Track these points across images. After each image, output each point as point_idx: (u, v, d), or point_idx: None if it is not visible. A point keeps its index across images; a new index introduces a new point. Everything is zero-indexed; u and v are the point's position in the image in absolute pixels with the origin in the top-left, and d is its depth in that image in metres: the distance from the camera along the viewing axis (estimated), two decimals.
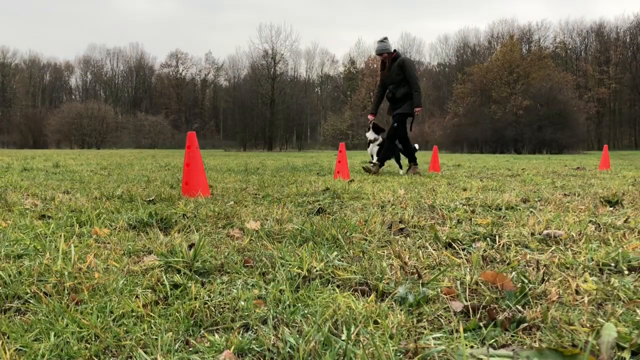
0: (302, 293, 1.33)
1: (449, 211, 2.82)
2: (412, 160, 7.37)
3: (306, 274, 1.52)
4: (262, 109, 59.38)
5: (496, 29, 62.73)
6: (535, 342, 1.03)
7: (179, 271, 1.56)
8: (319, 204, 3.10)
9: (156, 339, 1.05)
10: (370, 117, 7.63)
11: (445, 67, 68.62)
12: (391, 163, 7.80)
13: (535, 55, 49.07)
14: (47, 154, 18.67)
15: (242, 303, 1.25)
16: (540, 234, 2.07)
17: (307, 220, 2.47)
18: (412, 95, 7.15)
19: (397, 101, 7.19)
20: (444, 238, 2.00)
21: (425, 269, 1.60)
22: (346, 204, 3.20)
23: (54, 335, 1.06)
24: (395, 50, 7.27)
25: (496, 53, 51.98)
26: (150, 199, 3.41)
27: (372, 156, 7.58)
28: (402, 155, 7.57)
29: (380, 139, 7.45)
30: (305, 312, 1.20)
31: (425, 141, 56.06)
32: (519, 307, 1.21)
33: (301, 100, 62.67)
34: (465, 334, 1.08)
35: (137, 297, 1.31)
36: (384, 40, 7.24)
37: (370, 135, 7.53)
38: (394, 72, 7.16)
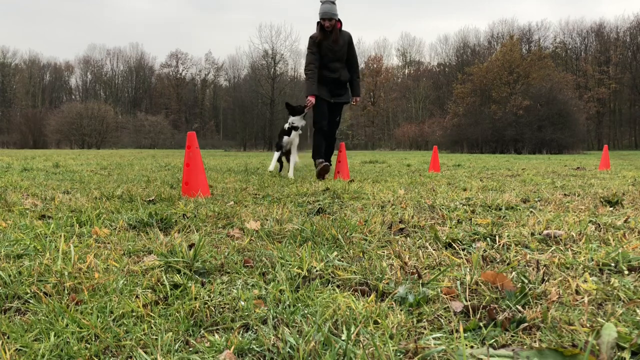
0: (302, 293, 1.33)
1: (449, 211, 2.82)
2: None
3: (306, 274, 1.52)
4: (262, 109, 59.40)
5: (496, 29, 62.77)
6: (535, 342, 1.03)
7: (179, 271, 1.56)
8: (319, 204, 3.10)
9: (156, 339, 1.05)
10: (311, 99, 5.67)
11: (445, 67, 68.60)
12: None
13: (535, 55, 49.05)
14: (47, 154, 18.67)
15: (242, 303, 1.25)
16: (540, 234, 2.07)
17: (307, 220, 2.47)
18: (352, 82, 5.90)
19: (341, 86, 5.79)
20: (444, 238, 2.00)
21: (425, 269, 1.60)
22: (346, 204, 3.20)
23: (54, 335, 1.06)
24: (339, 19, 5.67)
25: (496, 53, 51.99)
26: (150, 199, 3.41)
27: (280, 150, 6.08)
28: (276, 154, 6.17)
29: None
30: (305, 312, 1.20)
31: (425, 141, 56.16)
32: (519, 307, 1.21)
33: (301, 100, 62.71)
34: (465, 334, 1.08)
35: (137, 297, 1.31)
36: (334, 1, 5.60)
37: (300, 121, 5.91)
38: (343, 47, 5.69)
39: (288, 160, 6.17)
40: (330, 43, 5.63)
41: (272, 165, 6.16)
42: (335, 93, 5.78)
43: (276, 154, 6.15)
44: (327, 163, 5.67)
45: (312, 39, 5.71)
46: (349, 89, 5.96)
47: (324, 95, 5.73)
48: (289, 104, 6.02)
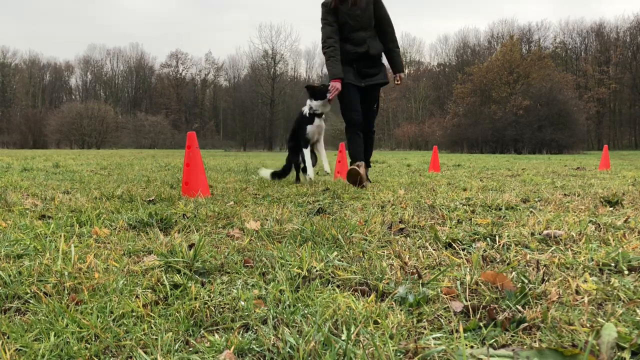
0: (302, 293, 1.33)
1: (449, 211, 2.82)
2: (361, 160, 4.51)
3: (306, 274, 1.52)
4: (262, 109, 59.48)
5: (496, 29, 62.87)
6: (535, 342, 1.03)
7: (179, 271, 1.56)
8: (319, 204, 3.10)
9: (156, 339, 1.05)
10: (336, 84, 4.37)
11: (445, 67, 68.63)
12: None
13: (535, 55, 49.09)
14: (47, 154, 18.67)
15: (242, 303, 1.25)
16: (540, 234, 2.07)
17: (307, 220, 2.47)
18: (389, 53, 4.57)
19: (373, 62, 4.46)
20: (444, 238, 2.00)
21: (425, 269, 1.60)
22: (346, 204, 3.20)
23: (54, 335, 1.06)
24: None
25: (496, 53, 52.03)
26: (150, 199, 3.41)
27: (308, 145, 4.67)
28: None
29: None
30: (305, 312, 1.20)
31: (425, 141, 56.19)
32: (519, 307, 1.21)
33: (301, 100, 62.77)
34: (465, 334, 1.08)
35: (137, 297, 1.31)
36: None
37: (324, 107, 4.59)
38: (366, 10, 4.41)
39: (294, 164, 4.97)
40: (349, 7, 4.37)
41: (310, 170, 4.66)
42: (366, 73, 4.44)
43: (307, 153, 4.66)
44: (359, 164, 4.35)
45: (324, 6, 4.49)
46: (384, 64, 4.60)
47: (351, 79, 4.43)
48: (310, 85, 4.77)
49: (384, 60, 4.68)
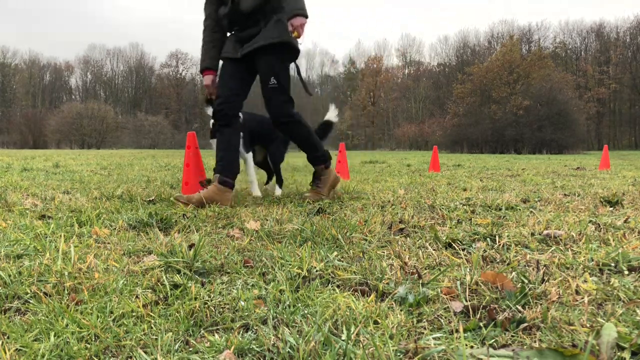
0: (302, 293, 1.33)
1: (449, 211, 2.82)
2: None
3: (306, 274, 1.52)
4: (262, 109, 59.37)
5: (496, 29, 62.95)
6: (535, 342, 1.03)
7: (179, 271, 1.55)
8: (319, 204, 3.10)
9: (156, 339, 1.05)
10: (205, 79, 3.42)
11: (445, 67, 68.66)
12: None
13: (535, 56, 49.12)
14: (47, 154, 18.67)
15: (242, 303, 1.25)
16: (540, 234, 2.07)
17: (307, 220, 2.47)
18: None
19: (248, 20, 3.11)
20: (444, 238, 2.00)
21: (425, 269, 1.60)
22: (346, 204, 3.20)
23: (54, 335, 1.06)
24: None
25: (496, 53, 52.04)
26: (150, 199, 3.41)
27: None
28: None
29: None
30: (305, 312, 1.20)
31: (425, 141, 56.23)
32: (519, 307, 1.21)
33: (301, 100, 62.71)
34: (465, 334, 1.08)
35: (137, 297, 1.31)
36: None
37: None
38: None
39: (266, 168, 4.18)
40: None
41: (254, 187, 3.81)
42: (242, 38, 3.18)
43: (247, 168, 3.88)
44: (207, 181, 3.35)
45: None
46: (277, 20, 3.08)
47: (229, 52, 3.25)
48: None
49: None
